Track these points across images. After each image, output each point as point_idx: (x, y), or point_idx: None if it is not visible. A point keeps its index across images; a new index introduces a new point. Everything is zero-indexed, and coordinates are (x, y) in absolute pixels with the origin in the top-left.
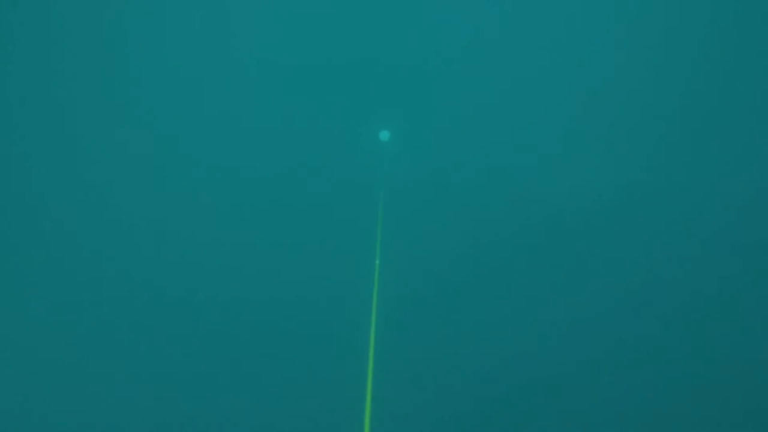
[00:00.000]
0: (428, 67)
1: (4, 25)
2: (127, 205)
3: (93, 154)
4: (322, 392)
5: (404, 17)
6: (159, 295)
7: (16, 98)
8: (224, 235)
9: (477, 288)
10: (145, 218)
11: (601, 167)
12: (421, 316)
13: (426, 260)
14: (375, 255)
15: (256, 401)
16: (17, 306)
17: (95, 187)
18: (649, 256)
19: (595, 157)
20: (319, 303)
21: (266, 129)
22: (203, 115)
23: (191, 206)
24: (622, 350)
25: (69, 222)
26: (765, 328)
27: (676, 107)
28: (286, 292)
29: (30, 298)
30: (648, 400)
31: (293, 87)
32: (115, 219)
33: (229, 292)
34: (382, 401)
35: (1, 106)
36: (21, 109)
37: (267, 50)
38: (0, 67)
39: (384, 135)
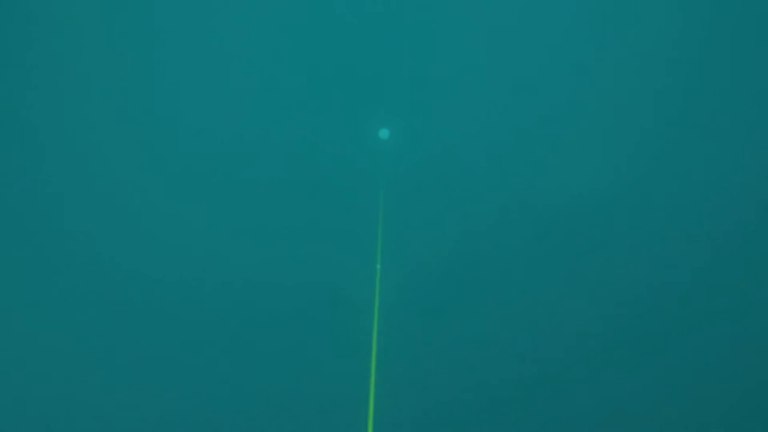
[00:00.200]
0: (428, 65)
1: (12, 25)
2: (128, 206)
3: (94, 152)
4: (323, 393)
5: (404, 15)
6: (159, 297)
7: (18, 96)
8: (226, 231)
9: (478, 286)
10: (144, 219)
11: (602, 166)
12: (421, 313)
13: (426, 258)
14: (376, 253)
15: (257, 400)
16: (17, 303)
17: (96, 185)
18: (649, 254)
19: (595, 157)
20: (320, 301)
21: (266, 128)
22: (203, 115)
23: (191, 207)
24: (623, 350)
25: (71, 219)
26: (764, 325)
27: (674, 105)
28: (287, 290)
29: (32, 294)
30: (650, 401)
31: (293, 86)
32: (116, 218)
33: (230, 289)
34: (384, 402)
35: (3, 106)
36: (21, 108)
37: (268, 49)
38: (1, 67)
39: (384, 133)
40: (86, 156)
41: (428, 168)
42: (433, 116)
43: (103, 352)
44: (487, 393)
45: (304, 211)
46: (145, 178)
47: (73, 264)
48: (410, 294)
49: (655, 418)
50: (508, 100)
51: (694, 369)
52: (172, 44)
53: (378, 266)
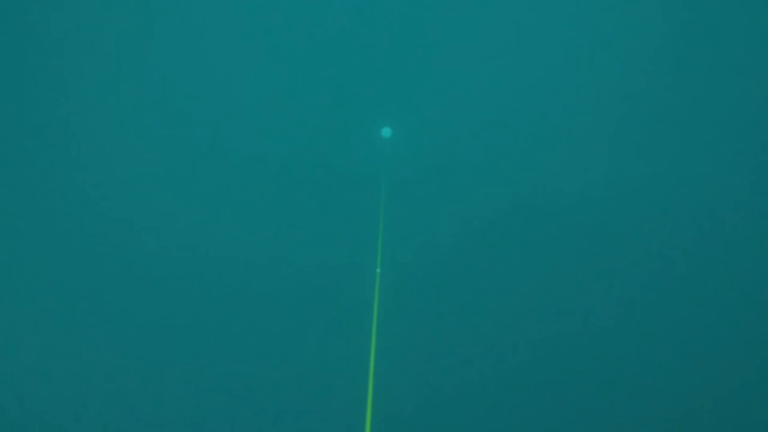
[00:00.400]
0: (429, 63)
1: (16, 26)
2: (128, 205)
3: (96, 150)
4: (322, 391)
5: (406, 14)
6: (159, 296)
7: (17, 97)
8: (226, 230)
9: (479, 283)
10: (145, 219)
11: (601, 163)
12: (421, 312)
13: (426, 255)
14: (376, 251)
15: (257, 399)
16: (18, 301)
17: (97, 184)
18: (649, 252)
19: (594, 153)
20: (320, 299)
21: (267, 126)
22: (204, 112)
23: (192, 203)
24: (623, 349)
25: (72, 216)
26: (762, 322)
27: (674, 104)
28: (287, 289)
29: (31, 294)
30: (650, 400)
31: (295, 83)
32: (117, 217)
33: (230, 287)
34: (383, 399)
35: (3, 104)
36: (22, 106)
37: (269, 47)
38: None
39: (386, 132)
40: (86, 154)
41: (429, 165)
42: (433, 114)
43: (100, 349)
44: (487, 392)
45: (305, 209)
46: (145, 179)
47: (72, 261)
48: (410, 291)
49: (655, 417)
50: (510, 98)
51: (694, 368)
52: (174, 43)
53: (378, 270)
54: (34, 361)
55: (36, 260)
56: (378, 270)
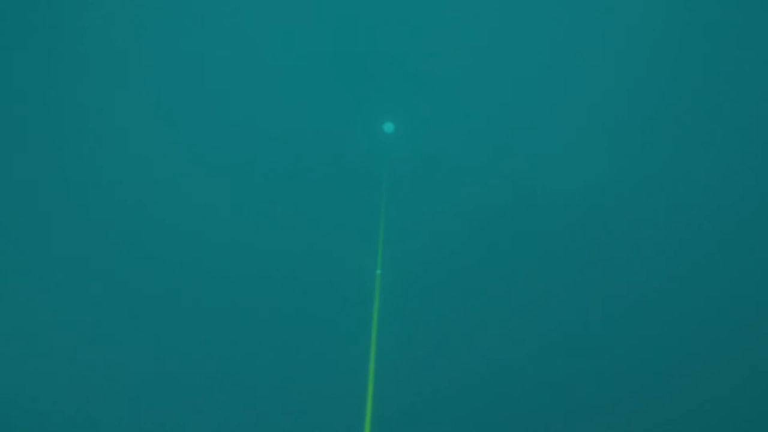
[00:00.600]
0: (431, 60)
1: (18, 26)
2: (129, 203)
3: (96, 149)
4: (322, 392)
5: (409, 11)
6: (158, 295)
7: (17, 95)
8: (227, 228)
9: (479, 283)
10: (144, 219)
11: (603, 161)
12: (421, 310)
13: (427, 253)
14: (377, 250)
15: (257, 399)
16: (17, 301)
17: (98, 183)
18: (649, 251)
19: (596, 151)
20: (321, 298)
21: (268, 124)
22: (205, 111)
23: (192, 202)
24: (623, 349)
25: (73, 216)
26: (762, 322)
27: (674, 103)
28: (287, 289)
29: (31, 294)
30: (650, 399)
31: (296, 81)
32: (119, 215)
33: (230, 286)
34: (383, 399)
35: (4, 104)
36: (21, 105)
37: (271, 44)
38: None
39: (388, 127)
40: (90, 151)
41: (430, 164)
42: (435, 111)
43: (100, 349)
44: (487, 392)
45: (306, 207)
46: (146, 177)
47: (73, 261)
48: (411, 289)
49: (655, 417)
50: (511, 97)
51: (693, 367)
52: (175, 41)
53: (378, 271)
54: (33, 361)
55: (36, 260)
56: (378, 271)
